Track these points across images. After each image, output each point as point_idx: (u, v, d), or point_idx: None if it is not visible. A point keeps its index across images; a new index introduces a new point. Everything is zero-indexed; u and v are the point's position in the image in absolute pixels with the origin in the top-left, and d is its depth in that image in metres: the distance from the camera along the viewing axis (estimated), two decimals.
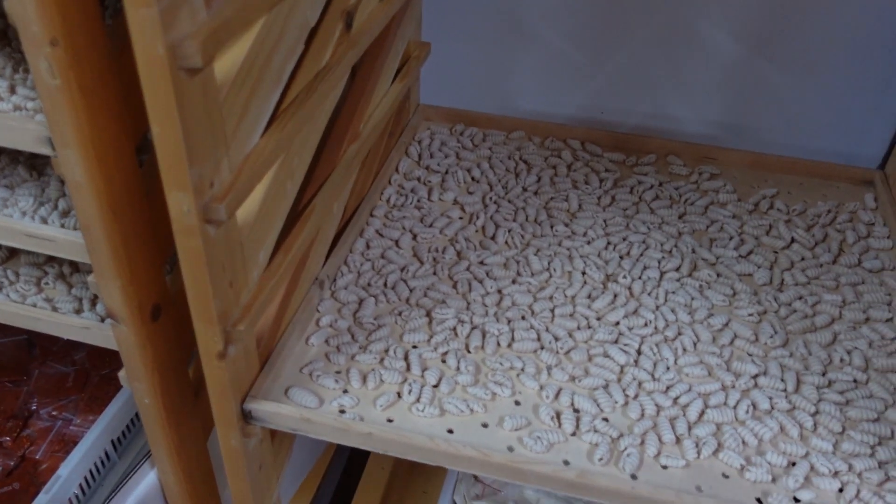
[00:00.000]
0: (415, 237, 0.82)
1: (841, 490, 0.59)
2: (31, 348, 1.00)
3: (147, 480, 0.79)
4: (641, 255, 0.81)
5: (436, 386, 0.65)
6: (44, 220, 0.65)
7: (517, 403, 0.65)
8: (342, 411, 0.63)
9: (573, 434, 0.62)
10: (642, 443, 0.61)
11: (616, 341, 0.70)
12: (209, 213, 0.49)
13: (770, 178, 0.94)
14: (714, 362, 0.68)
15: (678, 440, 0.62)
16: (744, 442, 0.62)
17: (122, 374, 0.67)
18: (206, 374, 0.58)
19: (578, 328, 0.72)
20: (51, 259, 0.76)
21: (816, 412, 0.64)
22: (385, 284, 0.76)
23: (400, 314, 0.72)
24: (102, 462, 0.83)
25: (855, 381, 0.68)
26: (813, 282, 0.78)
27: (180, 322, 0.66)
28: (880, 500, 0.57)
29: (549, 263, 0.79)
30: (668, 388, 0.66)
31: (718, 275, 0.78)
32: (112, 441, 0.84)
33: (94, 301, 0.71)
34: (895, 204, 0.87)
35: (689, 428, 0.63)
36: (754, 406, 0.65)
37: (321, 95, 0.63)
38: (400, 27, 0.85)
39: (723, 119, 0.99)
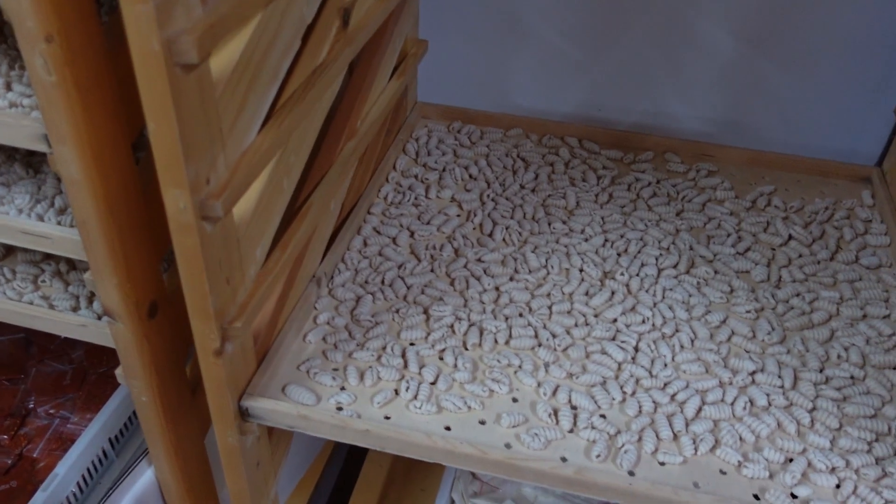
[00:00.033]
0: (412, 235, 0.82)
1: (838, 486, 0.59)
2: (29, 346, 1.00)
3: (144, 478, 0.79)
4: (639, 252, 0.81)
5: (433, 383, 0.65)
6: (40, 218, 0.65)
7: (515, 400, 0.65)
8: (339, 408, 0.63)
9: (571, 431, 0.62)
10: (640, 439, 0.61)
11: (614, 338, 0.70)
12: (205, 210, 0.49)
13: (768, 176, 0.94)
14: (711, 359, 0.68)
15: (675, 437, 0.62)
16: (741, 438, 0.62)
17: (119, 371, 0.67)
18: (203, 372, 0.58)
19: (576, 325, 0.72)
20: (48, 257, 0.76)
21: (814, 409, 0.64)
22: (382, 282, 0.76)
23: (397, 311, 0.72)
24: (100, 460, 0.83)
25: (852, 377, 0.68)
26: (810, 278, 0.78)
27: (177, 320, 0.66)
28: (877, 495, 0.57)
29: (546, 260, 0.79)
30: (665, 384, 0.66)
31: (716, 272, 0.78)
32: (110, 439, 0.84)
33: (90, 299, 0.71)
34: (892, 201, 0.88)
35: (687, 424, 0.63)
36: (751, 402, 0.65)
37: (318, 92, 0.62)
38: (397, 24, 0.85)
39: (720, 116, 0.99)
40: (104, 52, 0.50)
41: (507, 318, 0.72)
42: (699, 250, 0.81)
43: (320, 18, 0.61)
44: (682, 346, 0.70)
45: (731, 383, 0.66)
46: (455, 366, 0.67)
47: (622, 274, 0.77)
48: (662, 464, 0.60)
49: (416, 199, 0.88)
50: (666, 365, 0.68)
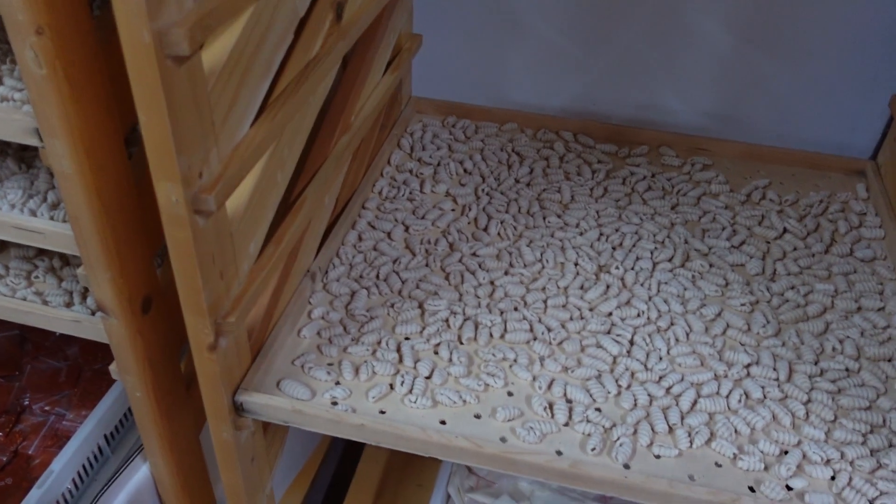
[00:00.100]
0: (407, 229, 0.82)
1: (833, 478, 0.59)
2: (24, 343, 1.00)
3: (139, 474, 0.79)
4: (634, 245, 0.81)
5: (428, 377, 0.65)
6: (33, 213, 0.65)
7: (510, 394, 0.65)
8: (334, 403, 0.63)
9: (566, 424, 0.62)
10: (635, 432, 0.61)
11: (609, 332, 0.70)
12: (198, 204, 0.49)
13: (762, 169, 0.94)
14: (706, 352, 0.68)
15: (671, 430, 0.62)
16: (736, 431, 0.62)
17: (113, 367, 0.66)
18: (197, 367, 0.57)
19: (571, 319, 0.71)
20: (41, 252, 0.75)
21: (808, 401, 0.64)
22: (377, 276, 0.76)
23: (392, 306, 0.72)
24: (95, 457, 0.83)
25: (847, 369, 0.68)
26: (805, 271, 0.78)
27: (171, 315, 0.66)
28: (872, 487, 0.57)
29: (541, 255, 0.79)
30: (660, 378, 0.66)
31: (711, 265, 0.78)
32: (105, 436, 0.83)
33: (84, 294, 0.71)
34: (887, 194, 0.88)
35: (682, 417, 0.63)
36: (747, 395, 0.65)
37: (311, 86, 0.62)
38: (391, 18, 0.85)
39: (715, 110, 0.99)
40: (96, 45, 0.50)
41: (502, 312, 0.72)
42: (694, 244, 0.81)
43: (313, 11, 0.61)
44: (677, 340, 0.70)
45: (726, 376, 0.67)
46: (450, 360, 0.67)
47: (617, 268, 0.77)
48: (658, 457, 0.60)
49: (410, 193, 0.87)
50: (661, 358, 0.68)
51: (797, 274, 0.78)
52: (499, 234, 0.82)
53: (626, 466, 0.59)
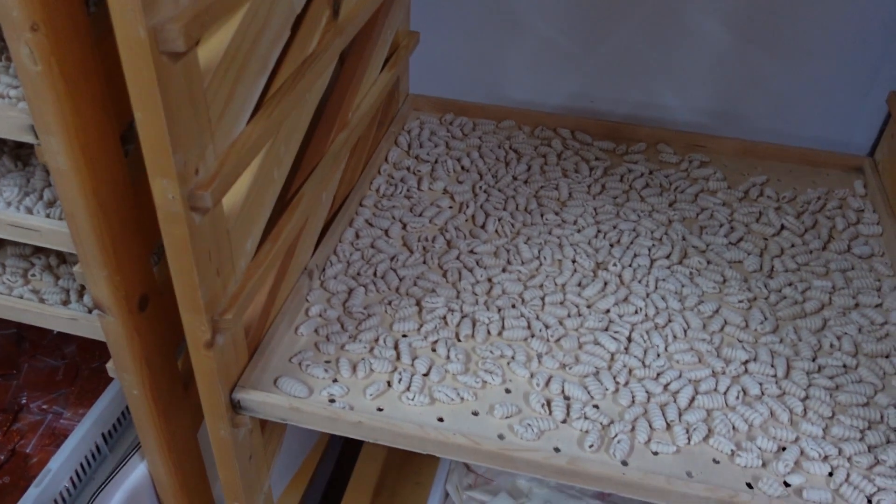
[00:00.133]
0: (404, 227, 0.82)
1: (831, 474, 0.59)
2: (21, 342, 0.99)
3: (137, 473, 0.79)
4: (632, 242, 0.80)
5: (426, 374, 0.65)
6: (29, 211, 0.65)
7: (507, 391, 0.65)
8: (332, 400, 0.63)
9: (564, 421, 0.62)
10: (633, 429, 0.61)
11: (606, 329, 0.70)
12: (194, 201, 0.48)
13: (760, 166, 0.94)
14: (704, 349, 0.68)
15: (669, 426, 0.62)
16: (734, 427, 0.62)
17: (110, 365, 0.66)
18: (194, 364, 0.57)
19: (569, 316, 0.71)
20: (38, 250, 0.75)
21: (806, 397, 0.64)
22: (375, 274, 0.76)
23: (390, 303, 0.72)
24: (93, 455, 0.82)
25: (845, 366, 0.68)
26: (803, 268, 0.78)
27: (168, 313, 0.65)
28: (870, 483, 0.57)
29: (539, 252, 0.79)
30: (658, 374, 0.66)
31: (708, 262, 0.78)
32: (103, 434, 0.83)
33: (81, 292, 0.71)
34: (884, 191, 0.88)
35: (680, 414, 0.63)
36: (744, 392, 0.65)
37: (308, 83, 0.62)
38: (388, 16, 0.85)
39: (713, 107, 0.99)
40: (91, 41, 0.50)
41: (499, 310, 0.72)
42: (692, 241, 0.81)
43: (310, 8, 0.61)
44: (674, 336, 0.70)
45: (723, 373, 0.66)
46: (448, 357, 0.67)
47: (615, 265, 0.77)
48: (655, 453, 0.60)
49: (408, 190, 0.87)
50: (659, 355, 0.68)
51: (795, 271, 0.78)
52: (496, 231, 0.82)
53: (624, 463, 0.59)
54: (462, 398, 0.63)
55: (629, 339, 0.69)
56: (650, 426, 0.62)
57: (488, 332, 0.70)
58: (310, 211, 0.71)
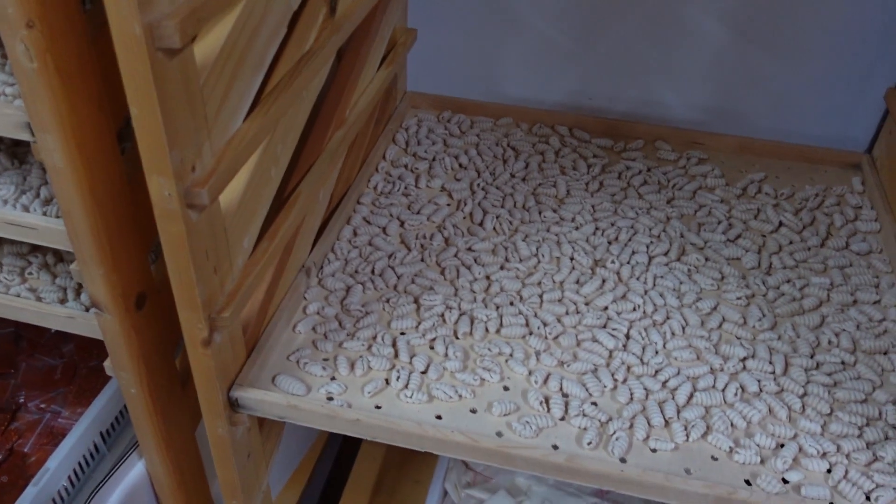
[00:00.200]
0: (402, 224, 0.82)
1: (829, 471, 0.59)
2: (19, 341, 0.99)
3: (135, 471, 0.79)
4: (630, 240, 0.80)
5: (424, 372, 0.65)
6: (25, 209, 0.65)
7: (506, 389, 0.65)
8: (330, 398, 0.63)
9: (562, 419, 0.62)
10: (631, 426, 0.61)
11: (604, 326, 0.70)
12: (191, 198, 0.48)
13: (758, 163, 0.94)
14: (702, 346, 0.68)
15: (667, 423, 0.62)
16: (732, 424, 0.62)
17: (107, 363, 0.66)
18: (192, 362, 0.57)
19: (567, 313, 0.71)
20: (35, 249, 0.75)
21: (804, 394, 0.64)
22: (372, 271, 0.76)
23: (387, 301, 0.72)
24: (91, 454, 0.82)
25: (843, 362, 0.68)
26: (801, 265, 0.78)
27: (166, 311, 0.65)
28: (868, 479, 0.57)
29: (537, 249, 0.79)
30: (656, 371, 0.66)
31: (707, 259, 0.78)
32: (101, 433, 0.83)
33: (78, 291, 0.70)
34: (882, 187, 0.88)
35: (678, 411, 0.63)
36: (743, 389, 0.65)
37: (305, 80, 0.62)
38: (385, 13, 0.85)
39: (710, 104, 0.99)
40: (87, 38, 0.50)
41: (497, 307, 0.72)
42: (690, 238, 0.81)
43: (307, 5, 0.61)
44: (673, 334, 0.70)
45: (722, 370, 0.66)
46: (446, 355, 0.67)
47: (613, 262, 0.77)
48: (654, 450, 0.60)
49: (405, 188, 0.87)
50: (657, 352, 0.68)
51: (793, 267, 0.78)
52: (494, 228, 0.82)
53: (623, 460, 0.59)
54: (460, 396, 0.63)
55: (627, 337, 0.69)
56: (648, 423, 0.61)
57: (486, 330, 0.69)
58: (307, 209, 0.70)
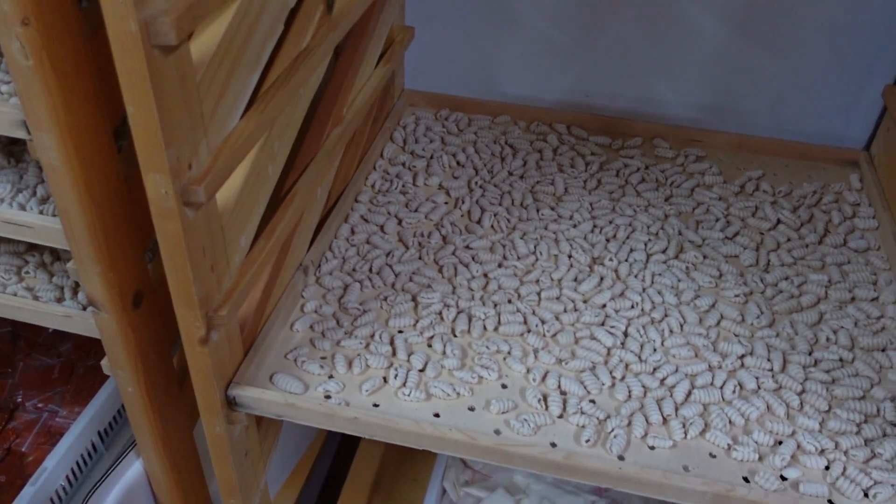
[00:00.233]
0: (400, 222, 0.82)
1: (827, 468, 0.59)
2: (16, 340, 0.99)
3: (133, 470, 0.79)
4: (628, 237, 0.80)
5: (422, 370, 0.65)
6: (22, 207, 0.64)
7: (504, 387, 0.65)
8: (328, 396, 0.63)
9: (560, 416, 0.62)
10: (629, 424, 0.61)
11: (603, 323, 0.70)
12: (188, 196, 0.48)
13: (756, 160, 0.94)
14: (701, 343, 0.68)
15: (665, 421, 0.62)
16: (730, 422, 0.62)
17: (104, 362, 0.66)
18: (189, 360, 0.57)
19: (565, 311, 0.71)
20: (32, 247, 0.75)
21: (803, 391, 0.64)
22: (370, 270, 0.75)
23: (385, 299, 0.72)
24: (89, 454, 0.82)
25: (841, 359, 0.68)
26: (799, 262, 0.78)
27: (163, 310, 0.65)
28: (866, 476, 0.57)
29: (535, 247, 0.78)
30: (654, 369, 0.66)
31: (705, 256, 0.78)
32: (98, 432, 0.83)
33: (75, 290, 0.70)
34: (880, 184, 0.88)
35: (676, 408, 0.63)
36: (741, 386, 0.65)
37: (302, 78, 0.62)
38: (383, 11, 0.85)
39: (708, 102, 0.99)
40: (83, 36, 0.50)
41: (495, 305, 0.72)
42: (688, 235, 0.81)
43: (304, 3, 0.61)
44: (671, 331, 0.70)
45: (720, 367, 0.66)
46: (444, 353, 0.67)
47: (611, 259, 0.77)
48: (652, 448, 0.60)
49: (403, 186, 0.87)
50: (655, 349, 0.68)
51: (791, 265, 0.78)
52: (492, 226, 0.82)
53: (621, 458, 0.59)
54: (458, 393, 0.63)
55: (625, 334, 0.69)
56: (647, 421, 0.61)
57: (484, 328, 0.69)
58: (305, 207, 0.70)
